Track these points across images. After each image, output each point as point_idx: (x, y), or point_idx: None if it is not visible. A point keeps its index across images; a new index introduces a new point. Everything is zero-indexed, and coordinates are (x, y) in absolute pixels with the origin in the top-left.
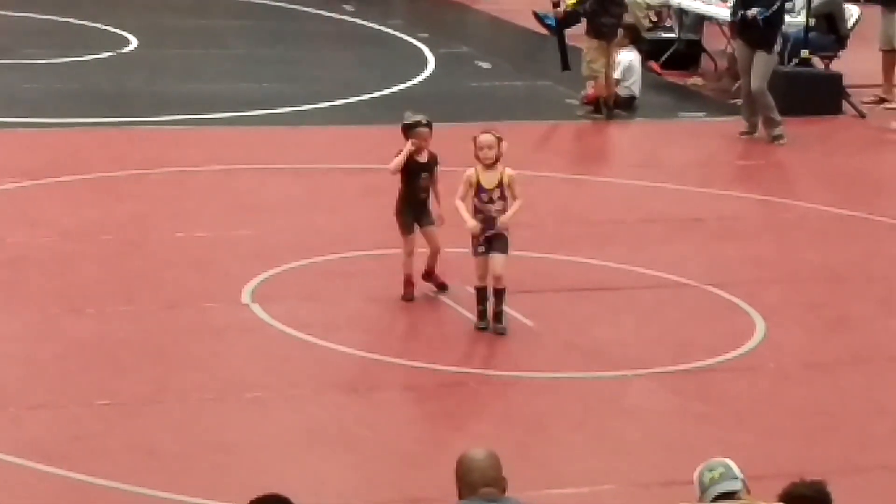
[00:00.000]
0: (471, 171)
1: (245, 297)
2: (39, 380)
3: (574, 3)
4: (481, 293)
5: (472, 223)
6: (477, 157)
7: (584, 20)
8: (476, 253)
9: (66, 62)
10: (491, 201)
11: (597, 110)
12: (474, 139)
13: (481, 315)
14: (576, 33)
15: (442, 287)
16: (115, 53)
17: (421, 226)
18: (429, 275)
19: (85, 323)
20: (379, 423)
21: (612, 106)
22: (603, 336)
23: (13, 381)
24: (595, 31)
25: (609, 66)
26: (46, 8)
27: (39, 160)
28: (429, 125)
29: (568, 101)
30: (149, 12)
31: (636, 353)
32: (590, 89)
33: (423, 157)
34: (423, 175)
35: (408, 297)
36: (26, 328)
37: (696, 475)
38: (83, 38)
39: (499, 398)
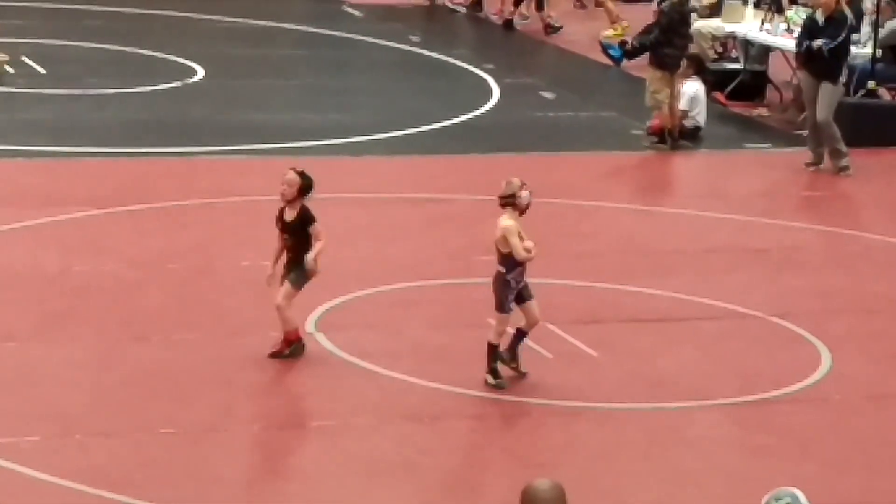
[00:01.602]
0: (512, 223)
1: (309, 326)
2: (104, 407)
3: (620, 34)
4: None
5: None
6: (517, 204)
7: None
8: (507, 310)
9: (132, 92)
10: (530, 251)
11: (661, 141)
12: (517, 182)
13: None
14: (640, 64)
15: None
16: (181, 83)
17: None
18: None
19: (150, 350)
20: (442, 453)
21: (676, 136)
22: (666, 366)
23: (79, 408)
24: (658, 62)
25: (673, 96)
26: (113, 38)
27: (107, 189)
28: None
29: (633, 131)
30: (215, 42)
31: (700, 383)
32: (654, 120)
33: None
34: (285, 235)
35: None
36: (92, 355)
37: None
38: (150, 69)
39: (562, 428)
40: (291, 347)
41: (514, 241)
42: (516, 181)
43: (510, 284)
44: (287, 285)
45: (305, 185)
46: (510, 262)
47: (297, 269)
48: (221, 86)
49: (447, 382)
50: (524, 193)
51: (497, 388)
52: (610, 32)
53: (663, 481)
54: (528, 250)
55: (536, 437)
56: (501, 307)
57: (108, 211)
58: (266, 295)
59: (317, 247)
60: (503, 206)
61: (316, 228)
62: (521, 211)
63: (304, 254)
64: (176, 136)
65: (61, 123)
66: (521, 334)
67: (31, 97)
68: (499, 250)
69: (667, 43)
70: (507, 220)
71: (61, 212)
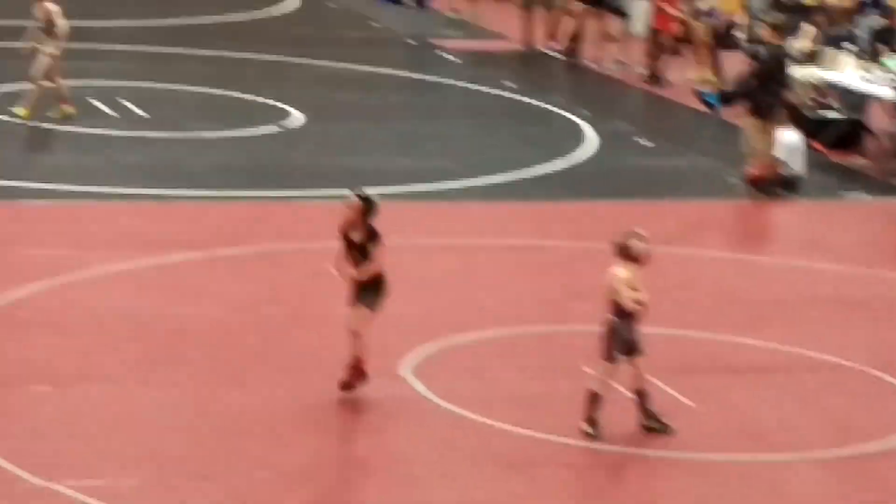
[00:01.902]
0: (627, 274)
1: (404, 372)
2: (201, 450)
3: (712, 81)
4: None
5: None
6: (632, 255)
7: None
8: (615, 360)
9: (231, 136)
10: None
11: (760, 189)
12: (632, 232)
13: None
14: (738, 112)
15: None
16: (279, 127)
17: None
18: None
19: (246, 394)
20: (536, 501)
21: (774, 185)
22: (764, 418)
23: (175, 452)
24: (755, 110)
25: (771, 144)
26: (212, 82)
27: (204, 233)
28: (361, 199)
29: (729, 179)
30: (313, 87)
31: (798, 436)
32: (752, 168)
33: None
34: (354, 253)
35: None
36: (188, 399)
37: None
38: (248, 113)
39: (657, 478)
40: (360, 378)
41: (622, 289)
42: (632, 231)
43: (619, 334)
44: (364, 310)
45: (368, 208)
46: (620, 312)
47: (372, 293)
48: (319, 130)
49: (541, 430)
50: (636, 243)
51: (593, 437)
52: (697, 76)
53: None
54: (637, 302)
55: (632, 487)
56: (608, 356)
57: (207, 255)
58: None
59: (366, 268)
60: (617, 255)
61: (377, 249)
62: (635, 260)
63: (376, 274)
64: (273, 180)
65: (160, 166)
66: (642, 395)
67: (130, 140)
68: (610, 299)
69: (764, 90)
70: (618, 270)
71: (160, 255)
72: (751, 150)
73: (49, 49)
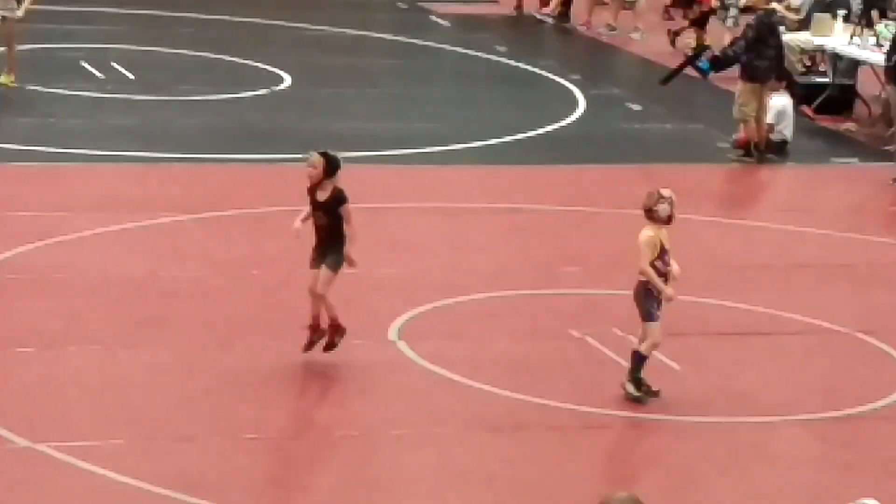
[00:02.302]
0: (651, 234)
1: (392, 335)
2: (188, 412)
3: (696, 47)
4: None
5: (671, 291)
6: (657, 216)
7: (737, 64)
8: (655, 318)
9: (220, 99)
10: (669, 263)
11: (747, 154)
12: (656, 193)
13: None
14: (727, 76)
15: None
16: (268, 91)
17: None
18: (314, 328)
19: (234, 357)
20: (522, 464)
21: (763, 150)
22: (749, 381)
23: (163, 413)
24: (749, 75)
25: (762, 109)
26: (202, 46)
27: (193, 195)
28: (324, 158)
29: (719, 144)
30: (302, 50)
31: (783, 399)
32: (741, 133)
33: (321, 195)
34: (318, 213)
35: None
36: (176, 361)
37: None
38: (238, 76)
39: (643, 441)
40: (339, 334)
41: (645, 251)
42: (655, 193)
43: (652, 293)
44: (326, 271)
45: (331, 166)
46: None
47: (333, 254)
48: (308, 94)
49: (529, 393)
50: (661, 206)
51: (638, 401)
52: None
53: (744, 497)
54: (641, 272)
55: (617, 449)
56: (648, 316)
57: (195, 217)
58: (350, 303)
59: (352, 239)
60: (645, 217)
61: (347, 210)
62: (663, 222)
63: (338, 234)
64: (262, 143)
65: (149, 129)
66: (640, 358)
67: (120, 103)
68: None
69: (756, 55)
70: (646, 231)
71: (148, 217)
72: (741, 115)
73: (18, 13)
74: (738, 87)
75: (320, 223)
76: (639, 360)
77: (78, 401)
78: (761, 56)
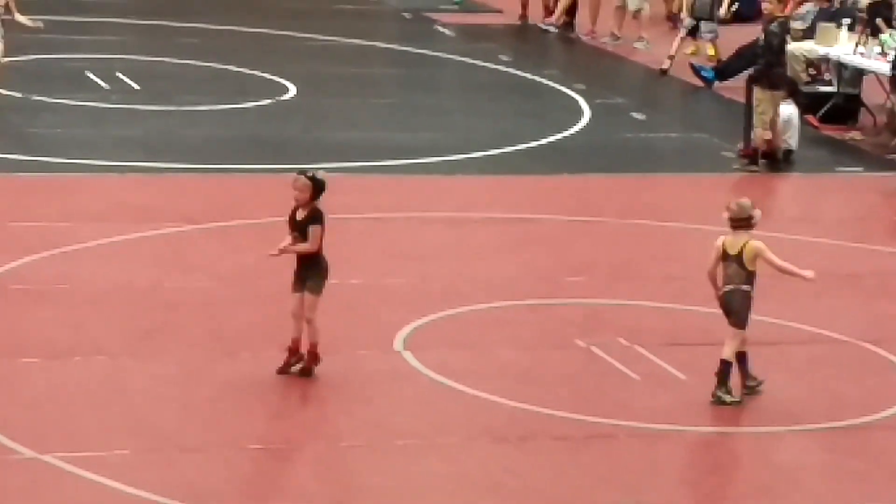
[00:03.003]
0: (762, 243)
1: (397, 345)
2: (193, 422)
3: (714, 55)
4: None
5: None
6: (755, 225)
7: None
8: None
9: (225, 109)
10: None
11: (753, 163)
12: (751, 207)
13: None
14: (732, 86)
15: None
16: (273, 101)
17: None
18: (292, 351)
19: (239, 367)
20: (527, 473)
21: (768, 159)
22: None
23: (168, 423)
24: (770, 82)
25: (777, 116)
26: (206, 56)
27: (198, 205)
28: (311, 182)
29: (723, 153)
30: (307, 60)
31: (789, 408)
32: (761, 138)
33: (300, 215)
34: (295, 234)
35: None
36: (181, 371)
37: None
38: (242, 86)
39: (648, 451)
40: (316, 362)
41: (775, 258)
42: (747, 202)
43: (751, 302)
44: (310, 296)
45: (317, 189)
46: (753, 281)
47: (312, 276)
48: (313, 104)
49: (534, 403)
50: (757, 213)
51: (735, 404)
52: (692, 50)
53: None
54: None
55: (622, 459)
56: (743, 324)
57: (200, 227)
58: (356, 312)
59: (298, 247)
60: (737, 227)
61: (315, 231)
62: (748, 228)
63: (314, 255)
64: (267, 153)
65: (154, 140)
66: (743, 357)
67: (125, 113)
68: (745, 269)
69: (778, 63)
70: (756, 241)
71: (153, 227)
72: (760, 123)
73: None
74: (758, 94)
75: (298, 242)
76: (729, 367)
77: (83, 411)
78: (782, 64)
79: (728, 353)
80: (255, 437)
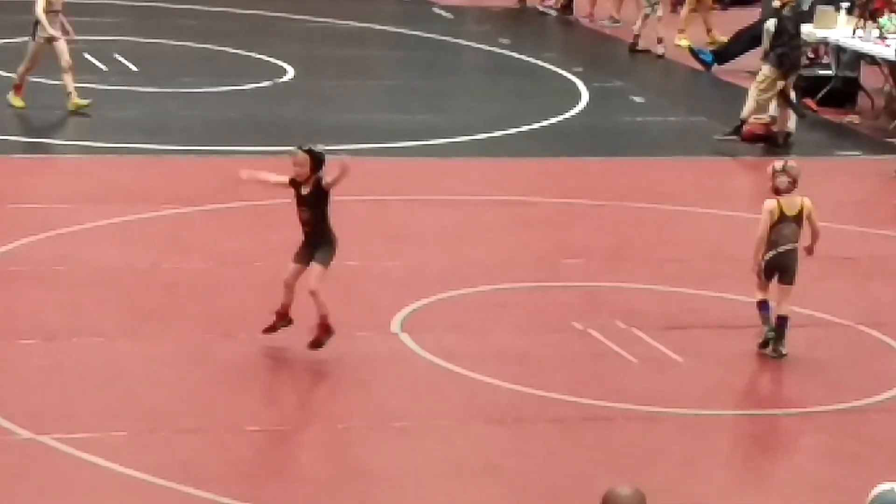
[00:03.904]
0: (772, 204)
1: (395, 327)
2: (191, 404)
3: (725, 43)
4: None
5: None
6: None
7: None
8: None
9: (223, 91)
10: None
11: (735, 132)
12: (771, 169)
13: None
14: (730, 69)
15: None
16: (271, 83)
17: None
18: (282, 315)
19: (237, 348)
20: (524, 456)
21: (766, 142)
22: (752, 374)
23: (165, 405)
24: (778, 61)
25: (779, 99)
26: (205, 38)
27: (196, 187)
28: (309, 155)
29: (716, 136)
30: (305, 42)
31: (786, 391)
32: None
33: (304, 189)
34: (302, 208)
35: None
36: (179, 352)
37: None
38: (241, 68)
39: (645, 434)
40: (328, 334)
41: (765, 218)
42: (770, 168)
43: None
44: (317, 267)
45: (316, 161)
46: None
47: (322, 248)
48: (311, 86)
49: (531, 385)
50: (779, 179)
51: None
52: (683, 43)
53: (747, 490)
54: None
55: (619, 442)
56: (794, 280)
57: (198, 209)
58: (354, 294)
59: (266, 175)
60: (792, 189)
61: (325, 204)
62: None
63: (323, 228)
64: (266, 135)
65: (152, 121)
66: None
67: (123, 95)
68: (800, 227)
69: (793, 47)
70: (807, 200)
71: (151, 209)
72: (759, 99)
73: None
74: (766, 72)
75: (305, 218)
76: (786, 323)
77: (81, 392)
78: (796, 48)
79: (787, 309)
80: (253, 418)
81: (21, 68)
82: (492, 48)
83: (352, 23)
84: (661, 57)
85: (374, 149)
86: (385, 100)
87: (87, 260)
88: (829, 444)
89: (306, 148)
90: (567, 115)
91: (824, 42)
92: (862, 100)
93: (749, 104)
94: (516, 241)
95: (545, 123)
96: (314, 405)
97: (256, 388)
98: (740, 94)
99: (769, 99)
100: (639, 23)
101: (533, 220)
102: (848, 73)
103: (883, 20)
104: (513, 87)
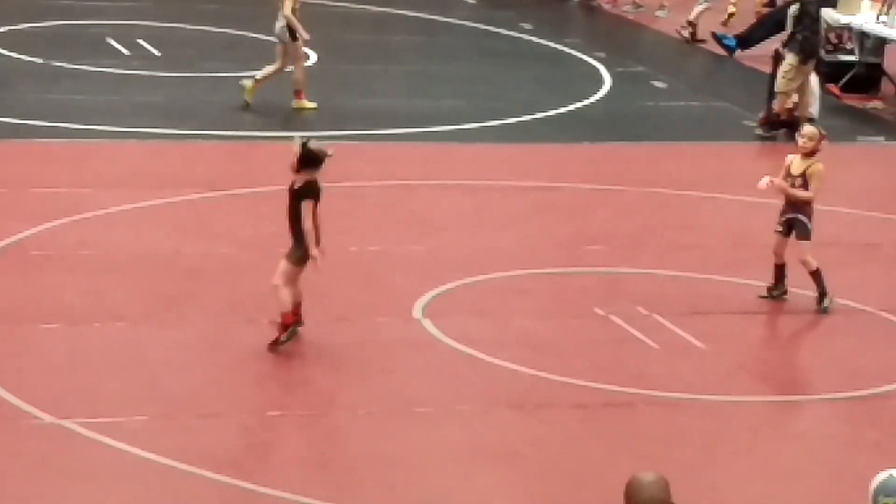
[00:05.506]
0: (790, 157)
1: (416, 313)
2: (212, 389)
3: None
4: (778, 270)
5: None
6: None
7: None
8: (775, 230)
9: (246, 76)
10: (793, 186)
11: (773, 128)
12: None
13: (770, 289)
14: (753, 55)
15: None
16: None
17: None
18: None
19: (259, 334)
20: (545, 441)
21: (789, 127)
22: (774, 360)
23: (187, 390)
24: (806, 51)
25: (806, 84)
26: (227, 22)
27: (219, 172)
28: (301, 151)
29: (744, 122)
30: (327, 28)
31: (807, 377)
32: (782, 105)
33: (296, 181)
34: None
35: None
36: (201, 337)
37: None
38: (263, 53)
39: (667, 419)
40: (288, 332)
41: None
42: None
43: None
44: (282, 262)
45: (305, 157)
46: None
47: (295, 245)
48: (334, 71)
49: (552, 371)
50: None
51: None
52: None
53: (768, 475)
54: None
55: (640, 427)
56: (811, 236)
57: (221, 194)
58: (376, 280)
59: (307, 235)
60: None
61: (306, 206)
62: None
63: (295, 225)
64: (288, 120)
65: (175, 106)
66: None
67: (146, 79)
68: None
69: (813, 33)
70: (818, 164)
71: (174, 194)
72: (784, 87)
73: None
74: (790, 60)
75: (287, 206)
76: (820, 275)
77: (103, 377)
78: (817, 34)
79: (811, 264)
80: (274, 404)
81: (272, 69)
82: (514, 33)
83: (374, 8)
84: (693, 40)
85: (395, 134)
86: (407, 85)
87: (110, 245)
88: (850, 430)
89: (303, 141)
90: (589, 101)
91: (848, 27)
92: (885, 85)
93: (780, 98)
94: (538, 226)
95: (567, 109)
96: (336, 390)
97: (278, 373)
98: (763, 79)
99: (795, 88)
100: (695, 11)
101: (554, 206)
102: (871, 59)
103: None
104: (535, 72)
